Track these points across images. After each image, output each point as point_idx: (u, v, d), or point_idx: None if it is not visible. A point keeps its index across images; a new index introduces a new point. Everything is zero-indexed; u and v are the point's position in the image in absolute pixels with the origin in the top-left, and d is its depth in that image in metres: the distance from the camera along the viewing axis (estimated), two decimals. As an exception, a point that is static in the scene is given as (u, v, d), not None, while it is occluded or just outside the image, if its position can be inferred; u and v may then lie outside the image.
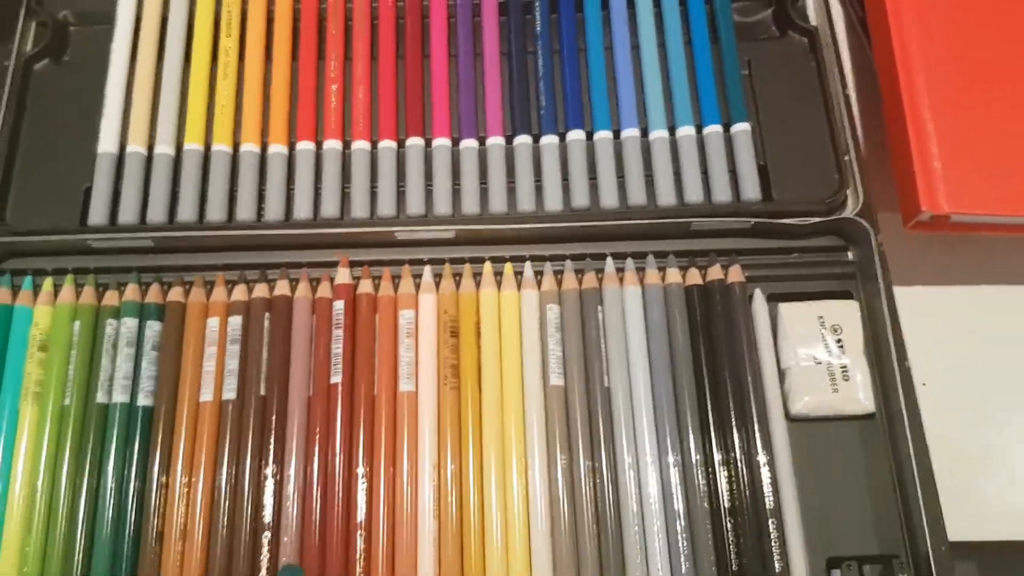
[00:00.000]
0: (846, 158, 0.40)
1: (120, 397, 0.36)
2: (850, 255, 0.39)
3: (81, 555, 0.34)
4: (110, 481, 0.35)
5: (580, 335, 0.38)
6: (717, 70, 0.42)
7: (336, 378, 0.36)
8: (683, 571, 0.34)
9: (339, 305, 0.38)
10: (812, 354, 0.36)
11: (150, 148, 0.41)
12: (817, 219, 0.38)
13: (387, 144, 0.41)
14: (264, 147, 0.41)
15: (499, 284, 0.39)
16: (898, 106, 0.41)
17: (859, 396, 0.36)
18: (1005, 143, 0.40)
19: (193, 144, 0.41)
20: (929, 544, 0.34)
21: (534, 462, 0.35)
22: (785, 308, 0.38)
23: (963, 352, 0.41)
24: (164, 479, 0.35)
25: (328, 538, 0.34)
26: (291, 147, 0.41)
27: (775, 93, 0.42)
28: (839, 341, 0.37)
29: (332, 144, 0.41)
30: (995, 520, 0.39)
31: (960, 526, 0.38)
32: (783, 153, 0.41)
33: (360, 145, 0.41)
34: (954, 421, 0.40)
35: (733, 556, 0.34)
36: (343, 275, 0.38)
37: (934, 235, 0.43)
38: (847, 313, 0.37)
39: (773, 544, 0.34)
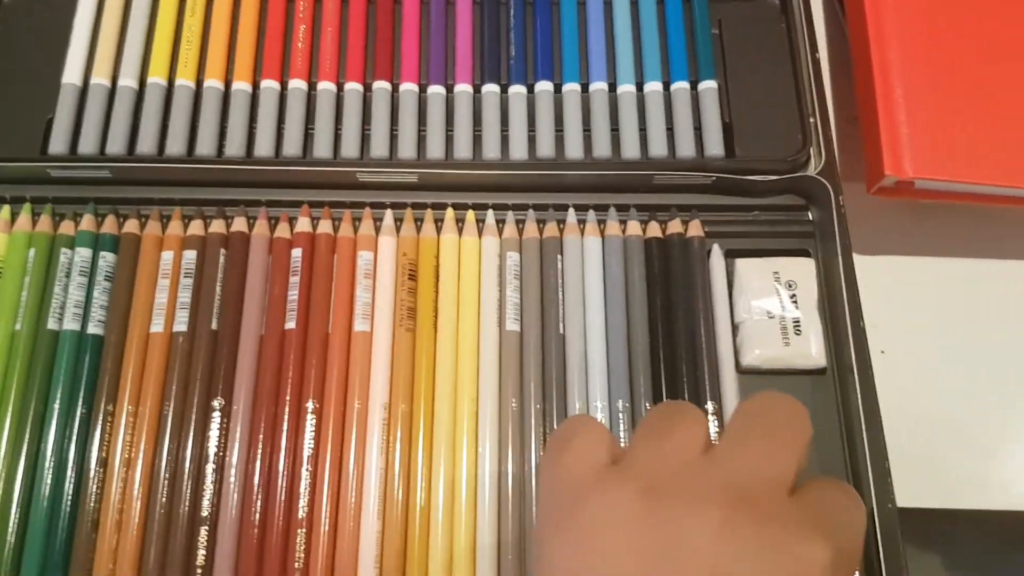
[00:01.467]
0: (811, 119, 0.40)
1: (71, 325, 0.36)
2: (810, 215, 0.39)
3: (23, 479, 0.34)
4: (56, 407, 0.35)
5: (539, 283, 0.38)
6: (688, 28, 0.42)
7: (290, 324, 0.36)
8: (627, 515, 0.34)
9: (297, 253, 0.37)
10: (766, 308, 0.36)
11: (114, 81, 0.41)
12: (778, 176, 0.38)
13: (353, 86, 0.41)
14: (228, 84, 0.41)
15: (460, 230, 0.39)
16: (867, 69, 0.41)
17: (811, 351, 0.36)
18: (972, 111, 0.40)
19: (157, 78, 0.41)
20: (875, 502, 0.34)
21: (486, 405, 0.35)
22: (742, 263, 0.38)
23: (924, 322, 0.42)
24: (111, 407, 0.35)
25: (273, 473, 0.34)
26: (255, 85, 0.41)
27: (744, 53, 0.42)
28: (793, 296, 0.37)
29: (297, 84, 0.41)
30: (948, 489, 0.39)
31: (912, 493, 0.38)
32: (749, 112, 0.41)
33: (326, 86, 0.41)
34: (911, 390, 0.40)
35: (677, 502, 0.34)
36: (303, 223, 0.38)
37: (901, 206, 0.43)
38: (803, 270, 0.37)
39: (718, 492, 0.34)
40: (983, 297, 0.42)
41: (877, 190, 0.40)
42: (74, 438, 0.35)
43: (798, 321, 0.36)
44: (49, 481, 0.34)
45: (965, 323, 0.42)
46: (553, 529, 0.22)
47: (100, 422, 0.35)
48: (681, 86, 0.41)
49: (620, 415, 0.35)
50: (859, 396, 0.35)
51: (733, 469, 0.22)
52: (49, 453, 0.34)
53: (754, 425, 0.23)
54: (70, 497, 0.34)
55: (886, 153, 0.39)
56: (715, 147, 0.40)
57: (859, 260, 0.42)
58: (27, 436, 0.34)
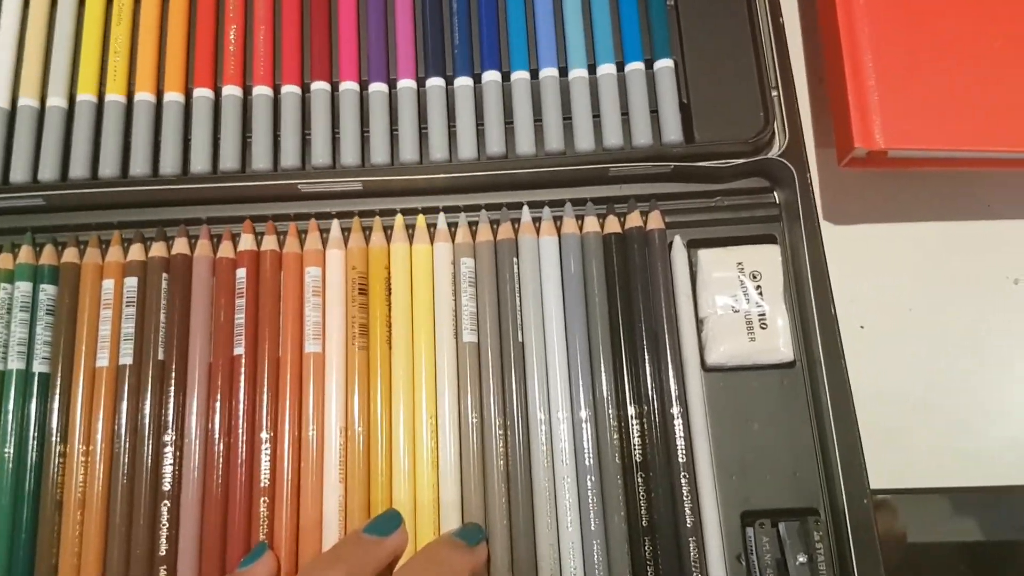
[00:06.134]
0: (774, 94, 0.38)
1: (16, 364, 0.35)
2: (775, 196, 0.38)
3: (-21, 526, 0.33)
4: (8, 449, 0.34)
5: (495, 289, 0.36)
6: (641, 2, 0.40)
7: (239, 349, 0.35)
8: (592, 528, 0.33)
9: (241, 273, 0.36)
10: (730, 302, 0.35)
11: (42, 101, 0.39)
12: (740, 160, 0.36)
13: (290, 89, 0.39)
14: (160, 95, 0.39)
15: (411, 237, 0.37)
16: (835, 38, 0.39)
17: (778, 344, 0.35)
18: (942, 73, 0.38)
19: (86, 95, 0.39)
20: (845, 499, 0.33)
21: (444, 422, 0.34)
22: (704, 254, 0.36)
23: (903, 292, 0.40)
24: (62, 447, 0.34)
25: (231, 506, 0.33)
26: (188, 95, 0.39)
27: (703, 26, 0.39)
28: (758, 288, 0.35)
29: (232, 90, 0.39)
30: (932, 466, 0.38)
31: (895, 472, 0.37)
32: (708, 90, 0.38)
33: (261, 91, 0.39)
34: (892, 364, 0.39)
35: (643, 511, 0.33)
36: (246, 240, 0.37)
37: (878, 173, 0.41)
38: (768, 258, 0.36)
39: (685, 498, 0.33)
40: (963, 261, 0.41)
41: (849, 161, 0.39)
42: (28, 481, 0.34)
43: (764, 314, 0.35)
44: (5, 526, 0.33)
45: (944, 289, 0.40)
46: None
47: (53, 463, 0.34)
48: (636, 67, 0.39)
49: (584, 425, 0.34)
50: (827, 390, 0.34)
51: None
52: (3, 499, 0.33)
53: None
54: (25, 545, 0.33)
55: (855, 124, 0.37)
56: (673, 132, 0.38)
57: (834, 230, 0.41)
58: (-23, 484, 0.34)
